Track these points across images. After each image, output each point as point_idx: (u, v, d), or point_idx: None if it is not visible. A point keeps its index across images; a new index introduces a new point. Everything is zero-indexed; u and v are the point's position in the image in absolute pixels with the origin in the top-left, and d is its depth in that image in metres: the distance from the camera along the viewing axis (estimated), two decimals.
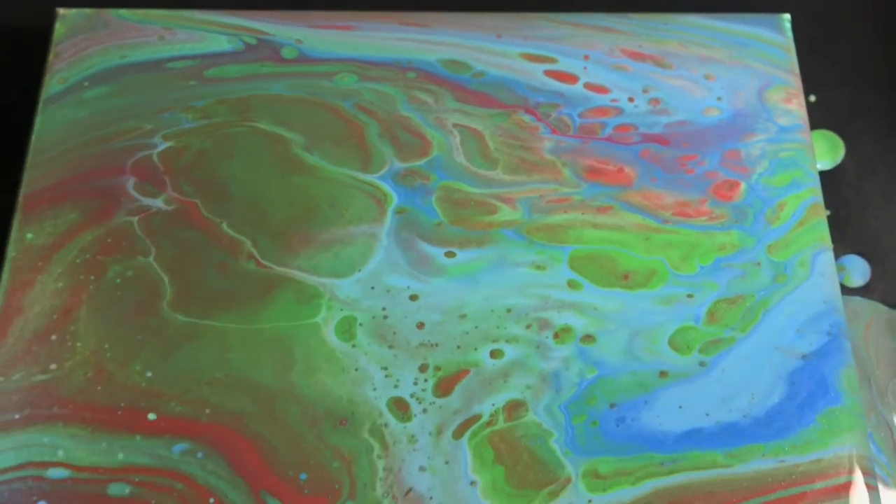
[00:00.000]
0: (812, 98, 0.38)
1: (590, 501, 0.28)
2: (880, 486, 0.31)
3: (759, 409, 0.29)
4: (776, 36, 0.35)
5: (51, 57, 0.34)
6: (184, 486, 0.28)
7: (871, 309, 0.34)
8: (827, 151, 0.37)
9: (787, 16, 0.35)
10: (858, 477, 0.28)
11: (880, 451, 0.32)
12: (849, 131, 0.37)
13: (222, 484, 0.28)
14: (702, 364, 0.29)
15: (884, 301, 0.34)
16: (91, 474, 0.28)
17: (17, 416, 0.29)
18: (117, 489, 0.28)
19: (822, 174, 0.36)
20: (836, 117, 0.38)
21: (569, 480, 0.28)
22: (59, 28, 0.34)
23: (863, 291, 0.35)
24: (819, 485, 0.28)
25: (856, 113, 0.38)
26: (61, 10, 0.35)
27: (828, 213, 0.35)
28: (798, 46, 0.37)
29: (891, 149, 0.37)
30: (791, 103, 0.34)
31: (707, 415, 0.29)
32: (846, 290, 0.35)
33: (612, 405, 0.29)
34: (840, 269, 0.35)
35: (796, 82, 0.34)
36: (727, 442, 0.28)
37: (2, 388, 0.29)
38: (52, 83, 0.33)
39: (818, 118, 0.37)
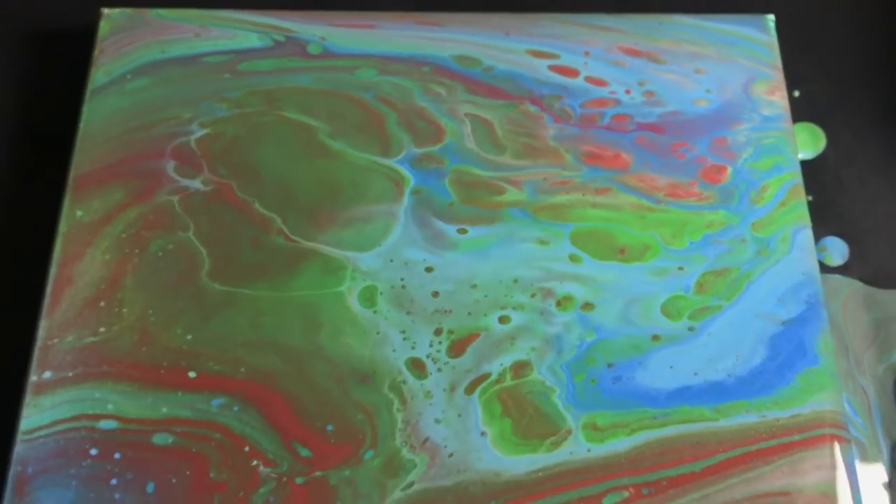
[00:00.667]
0: (796, 93, 0.40)
1: (588, 450, 0.30)
2: (855, 445, 0.34)
3: (743, 370, 0.31)
4: (761, 35, 0.38)
5: (96, 52, 0.37)
6: (221, 436, 0.30)
7: (849, 286, 0.37)
8: (809, 142, 0.40)
9: (771, 16, 0.38)
10: (833, 430, 0.31)
11: (856, 414, 0.35)
12: (830, 124, 0.40)
13: (256, 434, 0.30)
14: (691, 329, 0.32)
15: (861, 279, 0.37)
16: (138, 425, 0.30)
17: (70, 374, 0.31)
18: (161, 439, 0.30)
19: (805, 163, 0.39)
20: (818, 111, 0.40)
21: (569, 432, 0.30)
22: (103, 26, 0.37)
23: (841, 270, 0.37)
24: (797, 437, 0.30)
25: (836, 107, 0.40)
26: (105, 10, 0.38)
27: (810, 198, 0.38)
28: (784, 46, 0.40)
29: (868, 140, 0.40)
30: (774, 95, 0.36)
31: (695, 374, 0.31)
32: (826, 269, 0.37)
33: (609, 365, 0.32)
34: (821, 249, 0.37)
35: (779, 76, 0.37)
36: (714, 398, 0.31)
37: (56, 348, 0.32)
38: (98, 76, 0.36)
39: (802, 112, 0.40)
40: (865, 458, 0.34)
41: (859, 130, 0.40)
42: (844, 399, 0.34)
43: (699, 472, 0.30)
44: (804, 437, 0.30)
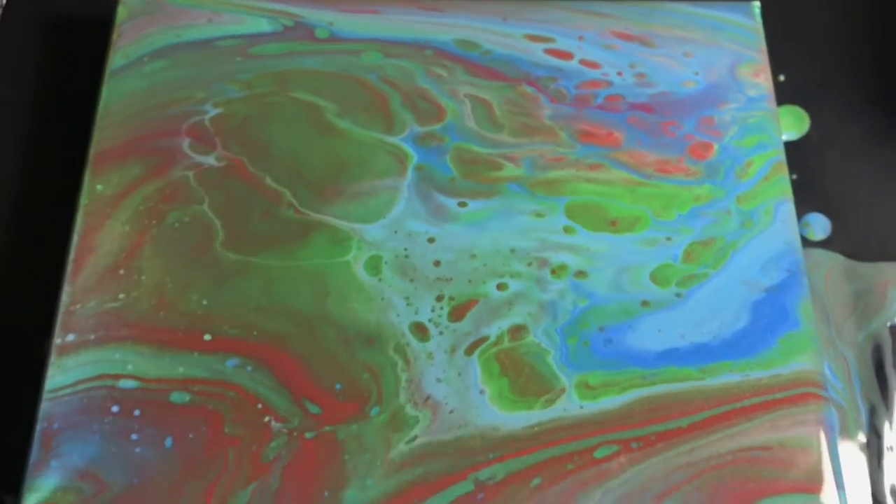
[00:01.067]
0: (781, 77, 0.42)
1: (581, 407, 0.32)
2: (836, 408, 0.36)
3: (728, 332, 0.33)
4: (747, 20, 0.39)
5: (114, 37, 0.38)
6: (235, 395, 0.32)
7: (831, 259, 0.39)
8: (794, 124, 0.41)
9: (757, 3, 0.40)
10: (812, 389, 0.32)
11: (837, 380, 0.36)
12: (813, 106, 0.42)
13: (268, 393, 0.32)
14: (678, 295, 0.34)
15: (842, 252, 0.39)
16: (156, 385, 0.32)
17: (92, 337, 0.33)
18: (178, 397, 0.32)
19: (790, 143, 0.41)
20: (803, 94, 0.42)
21: (563, 390, 0.32)
22: (121, 12, 0.39)
23: (824, 244, 0.39)
24: (778, 395, 0.32)
25: (820, 90, 0.42)
26: None
27: (794, 176, 0.40)
28: (771, 32, 0.41)
29: (850, 121, 0.42)
30: (759, 77, 0.38)
31: (682, 337, 0.33)
32: (810, 244, 0.39)
33: (600, 329, 0.33)
34: (804, 224, 0.39)
35: (763, 59, 0.38)
36: (699, 359, 0.33)
37: (79, 313, 0.33)
38: (116, 59, 0.38)
39: (787, 95, 0.42)
40: (845, 421, 0.36)
41: (842, 113, 0.42)
42: (826, 365, 0.36)
43: (686, 427, 0.32)
44: (784, 395, 0.32)
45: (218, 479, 0.31)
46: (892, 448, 0.35)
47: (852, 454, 0.35)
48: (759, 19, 0.39)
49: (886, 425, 0.36)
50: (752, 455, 0.31)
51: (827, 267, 0.38)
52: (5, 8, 0.42)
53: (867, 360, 0.37)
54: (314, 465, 0.31)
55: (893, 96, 0.42)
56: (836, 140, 0.41)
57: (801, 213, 0.39)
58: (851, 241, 0.39)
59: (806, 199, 0.40)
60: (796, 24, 0.44)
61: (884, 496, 0.34)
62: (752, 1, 0.40)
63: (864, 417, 0.36)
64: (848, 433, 0.35)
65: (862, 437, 0.35)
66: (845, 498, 0.31)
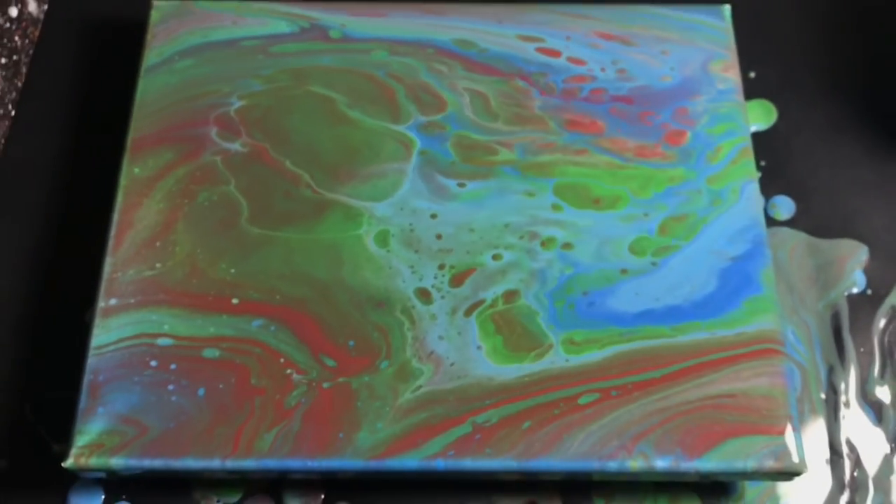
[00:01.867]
0: (752, 74, 0.46)
1: (567, 361, 0.36)
2: (798, 368, 0.40)
3: (698, 296, 0.37)
4: (718, 21, 0.43)
5: (149, 37, 0.43)
6: (260, 350, 0.36)
7: (795, 237, 0.42)
8: (763, 116, 0.45)
9: (727, 6, 0.44)
10: (771, 345, 0.36)
11: (799, 342, 0.40)
12: (780, 100, 0.45)
13: (289, 349, 0.36)
14: (653, 264, 0.38)
15: (805, 230, 0.42)
16: (190, 342, 0.36)
17: (132, 301, 0.37)
18: (210, 353, 0.36)
19: (760, 133, 0.45)
20: (771, 89, 0.46)
21: (551, 346, 0.36)
22: (154, 15, 0.43)
23: (789, 223, 0.43)
24: (742, 350, 0.36)
25: (786, 85, 0.46)
26: (155, 2, 0.44)
27: (763, 163, 0.44)
28: (741, 32, 0.45)
29: (813, 114, 0.45)
30: (728, 73, 0.42)
31: (657, 300, 0.37)
32: (776, 223, 0.42)
33: (584, 293, 0.37)
34: (772, 206, 0.43)
35: (732, 57, 0.42)
36: (672, 319, 0.36)
37: (120, 280, 0.37)
38: (151, 57, 0.42)
39: (756, 89, 0.46)
40: (807, 379, 0.39)
41: (806, 106, 0.45)
42: (789, 330, 0.40)
43: (659, 378, 0.35)
44: (748, 350, 0.36)
45: (245, 424, 0.35)
46: (847, 403, 0.39)
47: (812, 409, 0.39)
48: (729, 21, 0.43)
49: (843, 384, 0.39)
50: (717, 402, 0.35)
51: (791, 243, 0.42)
52: (49, 11, 0.46)
53: (827, 325, 0.41)
54: (330, 411, 0.35)
55: (852, 91, 0.46)
56: (801, 130, 0.45)
57: (768, 195, 0.43)
58: (814, 221, 0.43)
59: (773, 182, 0.43)
60: (765, 27, 0.48)
61: (840, 445, 0.38)
62: (724, 4, 0.44)
63: (823, 376, 0.40)
64: (809, 390, 0.39)
65: (822, 394, 0.39)
66: (801, 438, 0.34)
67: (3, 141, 0.44)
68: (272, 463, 0.34)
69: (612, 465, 0.34)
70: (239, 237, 0.38)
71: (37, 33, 0.47)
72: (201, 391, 0.35)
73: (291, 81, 0.42)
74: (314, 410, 0.35)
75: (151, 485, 0.37)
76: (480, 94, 0.41)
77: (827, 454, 0.38)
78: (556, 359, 0.36)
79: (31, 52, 0.46)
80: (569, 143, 0.40)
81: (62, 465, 0.34)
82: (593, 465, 0.34)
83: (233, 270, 0.37)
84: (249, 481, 0.37)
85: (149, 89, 0.41)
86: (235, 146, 0.40)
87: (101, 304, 0.37)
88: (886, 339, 0.40)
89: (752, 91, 0.45)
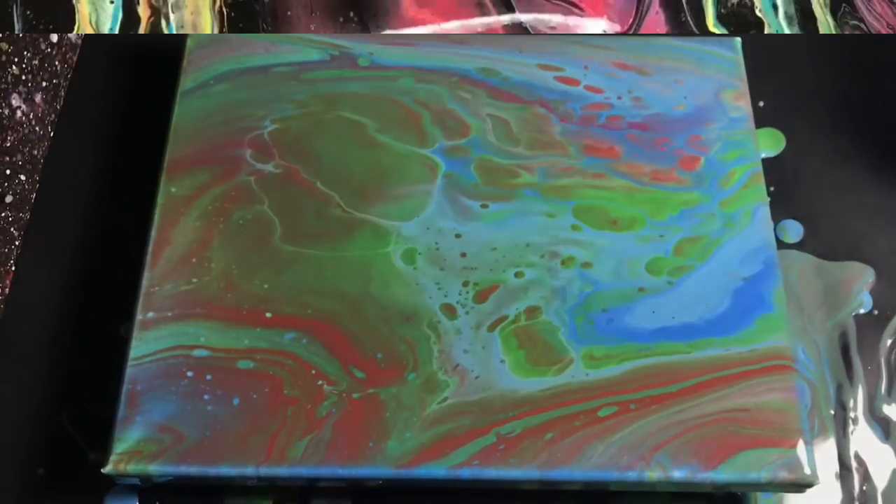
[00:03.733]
0: (761, 103, 0.48)
1: (587, 375, 0.37)
2: (808, 385, 0.41)
3: (712, 314, 0.38)
4: (729, 53, 0.45)
5: (185, 63, 0.44)
6: (292, 363, 0.37)
7: (804, 259, 0.44)
8: (772, 143, 0.47)
9: (738, 39, 0.46)
10: (782, 362, 0.37)
11: (809, 360, 0.42)
12: (788, 128, 0.47)
13: (321, 361, 0.37)
14: (670, 283, 0.39)
15: (813, 253, 0.44)
16: (225, 354, 0.37)
17: (169, 314, 0.38)
18: (244, 364, 0.37)
19: (769, 160, 0.46)
20: (780, 118, 0.47)
21: (571, 361, 0.37)
22: (190, 42, 0.45)
23: (798, 246, 0.44)
24: (755, 367, 0.37)
25: (794, 114, 0.47)
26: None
27: (772, 188, 0.45)
28: (753, 65, 0.47)
29: (820, 141, 0.47)
30: (739, 101, 0.43)
31: (673, 317, 0.38)
32: (785, 246, 0.44)
33: (603, 310, 0.38)
34: (781, 229, 0.45)
35: (743, 87, 0.44)
36: (688, 336, 0.37)
37: (158, 294, 0.39)
38: (187, 82, 0.44)
39: (766, 118, 0.47)
40: (816, 396, 0.41)
41: (813, 134, 0.47)
42: (800, 348, 0.41)
43: (676, 392, 0.37)
44: (760, 366, 0.37)
45: (278, 433, 0.36)
46: (855, 420, 0.40)
47: (822, 425, 0.40)
48: (740, 53, 0.45)
49: (851, 400, 0.41)
50: (732, 416, 0.36)
51: (800, 266, 0.44)
52: (87, 37, 0.48)
53: (835, 344, 0.42)
54: (360, 421, 0.36)
55: (858, 120, 0.48)
56: (809, 157, 0.47)
57: (777, 219, 0.45)
58: (821, 244, 0.44)
59: (782, 207, 0.45)
60: (774, 58, 0.49)
61: (849, 460, 0.40)
62: (735, 37, 0.46)
63: (832, 393, 0.41)
64: (818, 407, 0.41)
65: (831, 411, 0.41)
66: (812, 451, 0.36)
67: (42, 161, 0.46)
68: (304, 470, 0.35)
69: (631, 476, 0.35)
70: (272, 254, 0.40)
71: (75, 58, 0.49)
72: (236, 401, 0.36)
73: (323, 106, 0.43)
74: (344, 420, 0.36)
75: (183, 492, 0.39)
76: (503, 121, 0.43)
77: (836, 468, 0.39)
78: (577, 373, 0.37)
79: (69, 76, 0.48)
80: (587, 168, 0.42)
81: (101, 470, 0.36)
82: (613, 475, 0.35)
83: (266, 286, 0.39)
84: (278, 489, 0.39)
85: (185, 112, 0.43)
86: (269, 167, 0.42)
87: (139, 317, 0.38)
88: (893, 357, 0.42)
89: (761, 120, 0.47)
